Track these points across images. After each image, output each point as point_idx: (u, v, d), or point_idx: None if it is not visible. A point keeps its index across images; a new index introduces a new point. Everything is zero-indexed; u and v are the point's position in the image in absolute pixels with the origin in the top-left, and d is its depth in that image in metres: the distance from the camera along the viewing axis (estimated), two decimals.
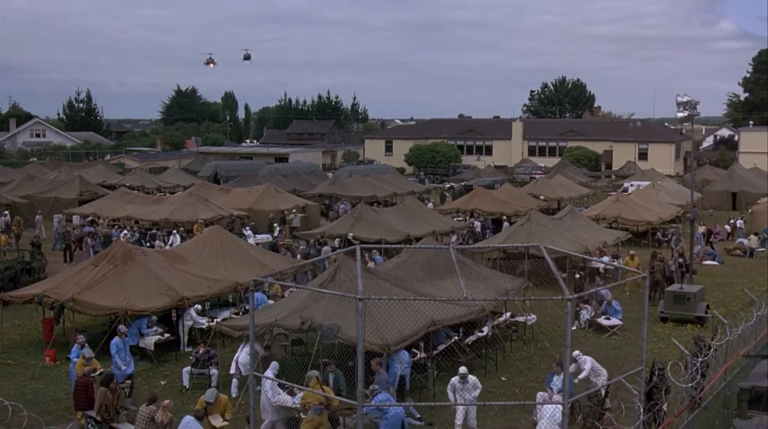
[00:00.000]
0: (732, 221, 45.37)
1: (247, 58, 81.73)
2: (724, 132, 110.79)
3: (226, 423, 16.08)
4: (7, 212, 44.05)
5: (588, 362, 17.97)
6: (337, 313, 19.17)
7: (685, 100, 26.90)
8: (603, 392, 15.39)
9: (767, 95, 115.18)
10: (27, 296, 23.34)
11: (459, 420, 16.53)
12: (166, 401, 16.13)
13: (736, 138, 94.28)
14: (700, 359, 15.78)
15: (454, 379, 16.79)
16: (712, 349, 16.45)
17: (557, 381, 16.52)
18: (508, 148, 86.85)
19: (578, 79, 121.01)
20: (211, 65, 79.42)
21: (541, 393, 16.99)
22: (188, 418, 15.46)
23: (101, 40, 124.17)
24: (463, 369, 16.74)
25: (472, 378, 16.78)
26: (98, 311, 22.36)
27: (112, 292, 22.46)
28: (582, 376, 17.75)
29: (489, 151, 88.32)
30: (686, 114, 27.12)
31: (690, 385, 14.53)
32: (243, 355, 19.11)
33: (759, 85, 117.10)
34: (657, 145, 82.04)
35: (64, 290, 22.68)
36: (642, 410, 12.98)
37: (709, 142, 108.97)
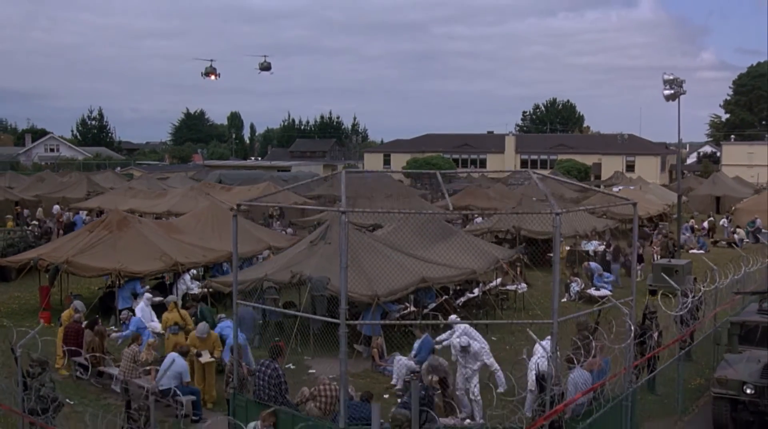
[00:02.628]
0: (711, 219, 44.71)
1: (265, 68, 65.58)
2: (707, 149, 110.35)
3: (213, 360, 15.10)
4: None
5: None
6: (327, 269, 18.31)
7: (671, 77, 26.21)
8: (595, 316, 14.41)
9: (747, 116, 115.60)
10: (23, 260, 22.51)
11: (459, 384, 14.68)
12: (151, 339, 15.16)
13: (719, 154, 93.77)
14: (690, 297, 14.85)
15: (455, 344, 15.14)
16: (701, 292, 15.54)
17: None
18: (501, 161, 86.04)
19: (568, 100, 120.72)
20: (213, 77, 64.94)
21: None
22: (173, 355, 14.48)
23: (114, 69, 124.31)
24: (464, 340, 14.62)
25: (474, 347, 14.72)
26: (92, 273, 21.52)
27: (106, 256, 21.62)
28: None
29: (483, 164, 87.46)
30: (672, 92, 26.43)
31: (681, 313, 13.56)
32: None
33: (739, 106, 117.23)
34: (643, 158, 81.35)
35: (60, 254, 21.89)
36: (633, 329, 11.99)
37: (693, 158, 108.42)
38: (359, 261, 18.31)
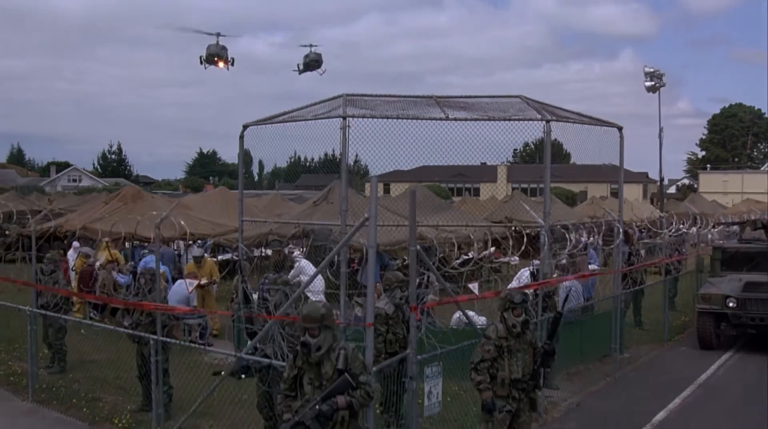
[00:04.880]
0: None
1: (312, 64, 39.90)
2: (686, 181, 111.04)
3: (206, 281, 14.77)
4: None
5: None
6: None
7: (651, 70, 26.26)
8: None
9: (721, 152, 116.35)
10: (42, 229, 22.20)
11: None
12: None
13: (696, 185, 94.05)
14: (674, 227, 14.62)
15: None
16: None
17: None
18: (493, 189, 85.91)
19: (555, 139, 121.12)
20: (221, 65, 38.89)
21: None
22: (180, 281, 14.23)
23: (133, 116, 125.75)
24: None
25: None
26: (106, 237, 21.22)
27: (119, 223, 21.36)
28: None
29: (477, 192, 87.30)
30: (653, 83, 26.45)
31: (670, 235, 13.33)
32: None
33: (713, 144, 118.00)
34: (626, 185, 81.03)
35: (76, 223, 21.68)
36: (620, 231, 11.76)
37: (672, 189, 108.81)
38: (359, 217, 18.08)
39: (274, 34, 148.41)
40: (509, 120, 11.75)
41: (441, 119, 11.63)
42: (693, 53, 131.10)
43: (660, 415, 9.65)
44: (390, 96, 12.92)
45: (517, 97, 13.03)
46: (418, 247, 7.94)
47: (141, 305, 8.88)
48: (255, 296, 10.12)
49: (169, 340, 8.65)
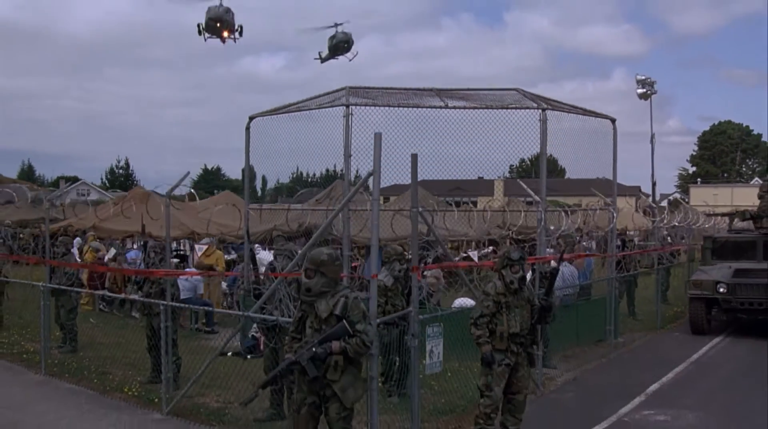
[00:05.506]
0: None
1: (342, 46, 30.02)
2: (677, 195, 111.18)
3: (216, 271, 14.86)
4: None
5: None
6: (331, 223, 18.13)
7: (643, 77, 26.44)
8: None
9: (711, 168, 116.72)
10: (54, 228, 22.29)
11: None
12: None
13: (687, 199, 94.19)
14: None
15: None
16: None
17: None
18: (491, 203, 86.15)
19: (551, 155, 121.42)
20: (226, 35, 27.73)
21: None
22: (188, 270, 14.26)
23: (139, 134, 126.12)
24: None
25: None
26: (116, 235, 21.32)
27: (129, 222, 21.45)
28: None
29: (474, 206, 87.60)
30: (644, 91, 26.62)
31: (662, 225, 13.41)
32: None
33: (704, 160, 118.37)
34: (619, 198, 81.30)
35: (87, 222, 21.80)
36: (615, 216, 11.82)
37: (664, 203, 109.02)
38: (362, 214, 18.15)
39: (277, 55, 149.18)
40: (506, 109, 11.83)
41: (440, 107, 11.74)
42: (683, 73, 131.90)
43: (653, 387, 9.68)
44: (391, 88, 13.03)
45: (514, 89, 13.13)
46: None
47: (152, 272, 8.93)
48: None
49: (178, 305, 8.69)
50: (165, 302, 8.37)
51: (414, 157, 7.20)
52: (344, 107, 11.39)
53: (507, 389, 6.86)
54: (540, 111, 11.63)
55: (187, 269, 14.40)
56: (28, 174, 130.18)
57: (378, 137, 6.24)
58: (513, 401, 6.93)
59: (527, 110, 11.59)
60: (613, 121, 13.35)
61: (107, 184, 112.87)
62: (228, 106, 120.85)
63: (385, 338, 8.07)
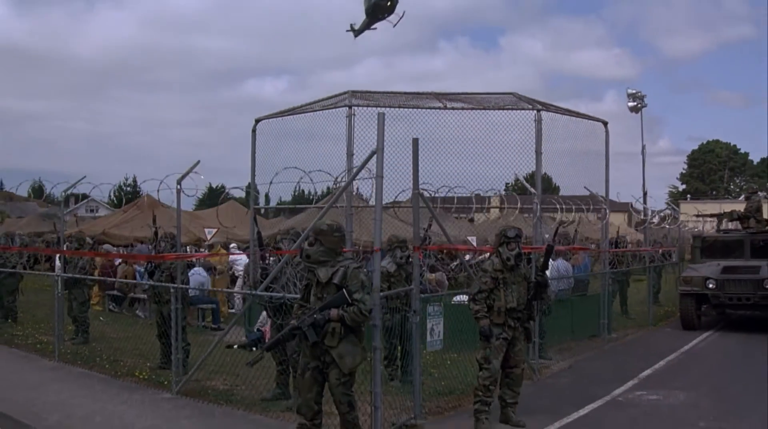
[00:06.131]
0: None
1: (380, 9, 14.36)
2: (668, 211, 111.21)
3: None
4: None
5: None
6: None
7: (633, 92, 26.67)
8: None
9: (700, 186, 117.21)
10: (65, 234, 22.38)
11: None
12: None
13: (677, 216, 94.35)
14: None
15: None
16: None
17: None
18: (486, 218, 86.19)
19: (545, 173, 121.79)
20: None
21: None
22: (197, 268, 14.31)
23: (146, 154, 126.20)
24: None
25: None
26: (125, 241, 21.41)
27: (137, 228, 21.55)
28: None
29: (471, 222, 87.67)
30: (635, 104, 26.84)
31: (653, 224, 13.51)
32: None
33: (693, 177, 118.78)
34: (612, 214, 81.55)
35: (97, 228, 21.90)
36: (607, 213, 11.94)
37: (655, 220, 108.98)
38: (362, 220, 18.26)
39: (280, 77, 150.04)
40: (503, 109, 11.99)
41: (439, 109, 11.89)
42: (672, 96, 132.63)
43: (646, 372, 9.74)
44: (392, 92, 13.19)
45: (510, 93, 13.29)
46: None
47: (162, 256, 9.03)
48: None
49: (187, 287, 8.77)
50: (175, 285, 8.45)
51: (415, 141, 7.34)
52: (347, 108, 11.51)
53: (505, 363, 6.94)
54: (535, 112, 11.77)
55: (195, 269, 14.44)
56: (38, 192, 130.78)
57: (381, 117, 6.37)
58: (511, 375, 7.00)
59: (523, 124, 11.74)
60: (605, 123, 13.49)
61: (115, 202, 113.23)
62: (232, 127, 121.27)
63: (387, 323, 8.16)
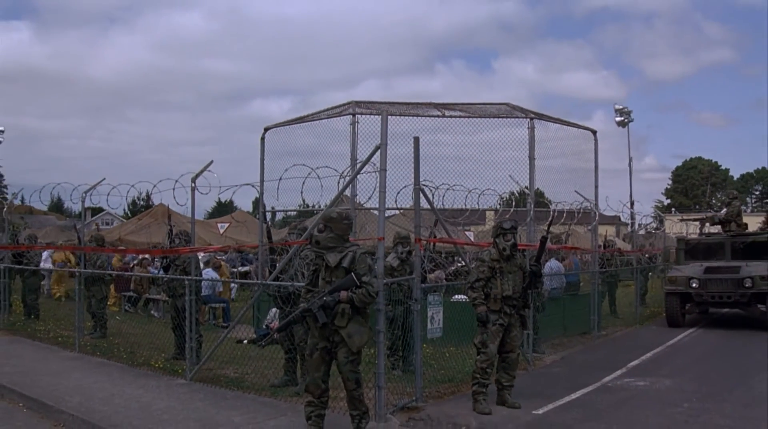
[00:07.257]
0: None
1: None
2: (653, 224, 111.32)
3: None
4: None
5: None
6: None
7: (620, 107, 26.82)
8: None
9: (684, 200, 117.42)
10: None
11: None
12: None
13: (662, 228, 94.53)
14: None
15: None
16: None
17: None
18: (482, 231, 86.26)
19: (537, 188, 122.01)
20: None
21: None
22: (207, 270, 14.39)
23: (157, 171, 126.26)
24: None
25: None
26: (140, 246, 21.43)
27: (151, 234, 21.61)
28: None
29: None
30: (622, 119, 26.98)
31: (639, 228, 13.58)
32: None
33: (677, 192, 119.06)
34: (601, 226, 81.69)
35: (114, 234, 21.96)
36: (597, 215, 12.02)
37: (641, 232, 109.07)
38: (363, 222, 18.32)
39: (284, 97, 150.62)
40: (497, 118, 12.10)
41: (437, 116, 12.00)
42: (657, 115, 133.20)
43: (634, 362, 9.79)
44: (393, 102, 13.31)
45: (504, 104, 13.40)
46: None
47: (176, 251, 9.09)
48: None
49: (201, 279, 8.82)
50: (189, 277, 8.51)
51: (416, 139, 7.43)
52: (351, 116, 11.61)
53: (501, 348, 6.99)
54: (528, 120, 11.88)
55: (206, 270, 14.50)
56: (57, 206, 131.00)
57: (384, 115, 6.47)
58: (507, 359, 7.05)
59: (517, 136, 11.85)
60: (594, 132, 13.60)
61: (129, 215, 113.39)
62: (239, 145, 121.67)
63: (390, 314, 8.21)
